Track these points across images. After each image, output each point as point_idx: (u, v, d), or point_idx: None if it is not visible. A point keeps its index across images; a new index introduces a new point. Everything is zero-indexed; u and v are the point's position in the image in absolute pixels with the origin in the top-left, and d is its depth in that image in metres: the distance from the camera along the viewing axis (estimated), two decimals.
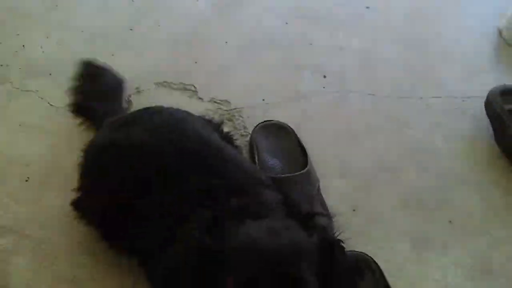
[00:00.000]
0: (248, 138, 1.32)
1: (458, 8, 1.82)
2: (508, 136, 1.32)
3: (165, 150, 0.96)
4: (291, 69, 1.54)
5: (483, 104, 1.41)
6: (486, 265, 1.12)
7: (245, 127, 1.36)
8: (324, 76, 1.52)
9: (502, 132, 1.34)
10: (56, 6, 1.65)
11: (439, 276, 1.10)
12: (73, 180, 1.11)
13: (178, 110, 1.12)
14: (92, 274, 1.05)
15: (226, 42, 1.60)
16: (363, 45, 1.63)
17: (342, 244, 0.80)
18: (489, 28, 1.73)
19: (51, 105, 1.37)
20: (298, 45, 1.61)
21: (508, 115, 1.34)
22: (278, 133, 1.31)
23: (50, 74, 1.44)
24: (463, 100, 1.49)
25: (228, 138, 1.20)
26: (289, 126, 1.31)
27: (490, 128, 1.39)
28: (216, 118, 1.31)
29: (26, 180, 1.21)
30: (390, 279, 1.02)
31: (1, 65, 1.46)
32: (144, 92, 1.43)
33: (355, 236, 1.11)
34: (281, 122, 1.32)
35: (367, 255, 1.05)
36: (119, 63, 1.40)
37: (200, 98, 1.43)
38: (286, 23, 1.68)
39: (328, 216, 1.16)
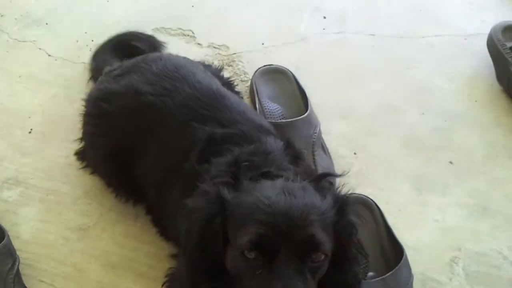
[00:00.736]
0: (248, 84, 1.31)
1: None
2: (510, 73, 1.31)
3: (166, 98, 0.96)
4: (290, 11, 1.51)
5: (485, 41, 1.39)
6: (485, 205, 1.14)
7: (245, 72, 1.36)
8: (324, 17, 1.50)
9: (504, 69, 1.33)
10: None
11: (439, 217, 1.12)
12: (76, 129, 1.13)
13: (177, 56, 1.11)
14: (99, 222, 1.08)
15: None
16: None
17: (353, 206, 0.79)
18: None
19: (49, 55, 1.36)
20: None
21: (510, 52, 1.32)
22: (278, 77, 1.30)
23: (47, 24, 1.42)
24: (465, 39, 1.47)
25: (229, 84, 1.19)
26: (289, 70, 1.30)
27: (492, 66, 1.38)
28: (216, 63, 1.30)
29: (29, 132, 1.22)
30: (390, 220, 1.03)
31: None
32: None
33: (355, 178, 1.14)
34: (281, 67, 1.31)
35: (367, 197, 1.06)
36: (114, 9, 1.38)
37: (198, 44, 1.41)
38: None
39: (329, 158, 1.17)
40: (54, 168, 1.15)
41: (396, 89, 1.35)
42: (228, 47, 1.41)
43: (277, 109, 1.23)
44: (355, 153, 1.21)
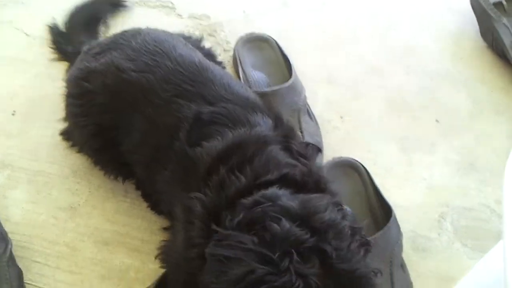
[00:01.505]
0: (231, 53, 1.30)
1: None
2: (493, 29, 1.30)
3: (148, 74, 0.95)
4: None
5: None
6: (471, 161, 1.15)
7: (227, 42, 1.34)
8: None
9: (488, 25, 1.33)
10: None
11: (426, 175, 1.13)
12: (60, 109, 1.11)
13: (156, 30, 1.09)
14: (89, 200, 1.08)
15: None
16: None
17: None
18: None
19: (27, 35, 1.34)
20: None
21: (493, 8, 1.31)
22: (261, 45, 1.29)
23: (22, 3, 1.40)
24: None
25: (210, 55, 1.18)
26: (271, 38, 1.29)
27: (476, 23, 1.38)
28: (197, 34, 1.28)
29: (13, 114, 1.20)
30: (378, 181, 1.04)
31: None
32: (120, 13, 1.38)
33: (342, 142, 1.14)
34: (263, 34, 1.30)
35: (354, 159, 1.06)
36: None
37: (179, 15, 1.40)
38: None
39: (315, 123, 1.17)
40: (40, 149, 1.15)
41: (380, 51, 1.35)
42: (209, 17, 1.39)
43: (261, 78, 1.22)
44: (341, 117, 1.22)
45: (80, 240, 1.02)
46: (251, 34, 1.30)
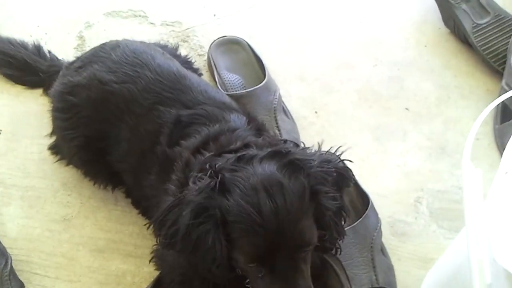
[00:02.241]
0: (205, 58, 1.35)
1: None
2: (454, 15, 1.36)
3: (129, 84, 0.99)
4: None
5: None
6: (442, 145, 1.22)
7: (201, 46, 1.38)
8: None
9: (449, 12, 1.38)
10: None
11: (400, 162, 1.19)
12: (44, 125, 1.15)
13: (134, 41, 1.13)
14: (81, 211, 1.12)
15: None
16: None
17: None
18: None
19: None
20: None
21: None
22: (234, 48, 1.34)
23: None
24: None
25: (187, 62, 1.22)
26: (243, 40, 1.34)
27: (438, 10, 1.43)
28: (171, 41, 1.33)
29: None
30: (355, 171, 1.08)
31: None
32: (94, 25, 1.42)
33: (319, 136, 1.19)
34: (235, 37, 1.35)
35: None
36: None
37: (151, 23, 1.43)
38: None
39: (292, 121, 1.23)
40: (29, 165, 1.18)
41: (349, 45, 1.40)
42: (181, 23, 1.43)
43: (236, 80, 1.27)
44: (316, 112, 1.27)
45: (76, 250, 1.07)
46: (223, 37, 1.34)
